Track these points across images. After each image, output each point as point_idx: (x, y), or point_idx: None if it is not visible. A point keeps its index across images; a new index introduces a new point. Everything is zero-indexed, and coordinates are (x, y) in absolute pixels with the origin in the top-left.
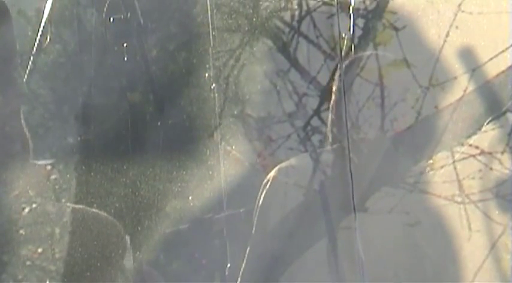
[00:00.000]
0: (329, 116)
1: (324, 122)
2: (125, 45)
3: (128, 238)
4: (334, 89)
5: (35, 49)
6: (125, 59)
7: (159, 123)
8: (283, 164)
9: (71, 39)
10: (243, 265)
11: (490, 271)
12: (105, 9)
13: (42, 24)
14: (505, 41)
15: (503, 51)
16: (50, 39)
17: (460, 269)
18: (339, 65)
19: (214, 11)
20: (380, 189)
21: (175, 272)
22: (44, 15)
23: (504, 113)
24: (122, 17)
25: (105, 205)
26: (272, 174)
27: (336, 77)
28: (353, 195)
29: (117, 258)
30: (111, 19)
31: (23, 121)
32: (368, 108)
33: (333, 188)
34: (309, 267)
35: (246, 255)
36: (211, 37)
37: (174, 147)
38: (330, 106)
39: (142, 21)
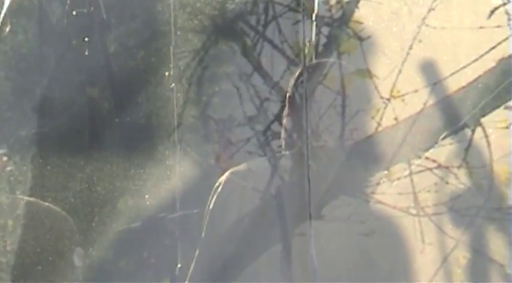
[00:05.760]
0: (287, 122)
1: (284, 128)
2: (86, 39)
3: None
4: (296, 95)
5: None
6: (86, 53)
7: (116, 120)
8: (236, 168)
9: (34, 30)
10: (192, 267)
11: None
12: (68, 2)
13: (3, 13)
14: (466, 57)
15: (464, 66)
16: (10, 29)
17: (411, 281)
18: (302, 72)
19: (181, 10)
20: (337, 197)
21: (123, 270)
22: (5, 4)
23: (462, 128)
24: (85, 11)
25: (60, 200)
26: (224, 177)
27: (299, 83)
28: (309, 202)
29: (69, 253)
30: (74, 13)
31: None
32: (329, 116)
33: (290, 194)
34: (262, 272)
35: (195, 258)
36: (173, 36)
37: (132, 145)
38: (289, 112)
39: (105, 16)
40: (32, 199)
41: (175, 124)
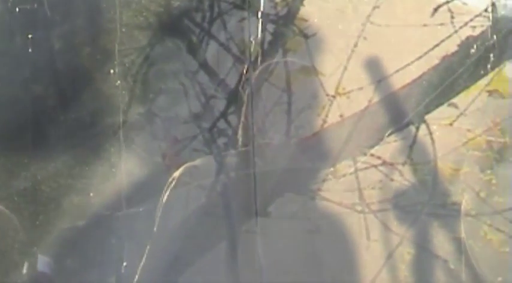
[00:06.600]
0: (240, 119)
1: (230, 125)
2: (30, 36)
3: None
4: (242, 92)
5: None
6: (30, 50)
7: (61, 118)
8: (189, 164)
9: None
10: (142, 263)
11: (385, 281)
12: None
13: None
14: (411, 54)
15: (408, 64)
16: None
17: (357, 277)
18: (247, 69)
19: (126, 7)
20: (283, 194)
21: (69, 268)
22: None
23: (407, 125)
24: (29, 7)
25: (4, 198)
26: (178, 173)
27: (244, 80)
28: (256, 199)
29: (13, 252)
30: (17, 9)
31: None
32: (274, 114)
33: (236, 191)
34: (208, 269)
35: (146, 253)
36: (118, 33)
37: (77, 143)
38: (242, 109)
39: (49, 13)
40: None
41: (120, 121)
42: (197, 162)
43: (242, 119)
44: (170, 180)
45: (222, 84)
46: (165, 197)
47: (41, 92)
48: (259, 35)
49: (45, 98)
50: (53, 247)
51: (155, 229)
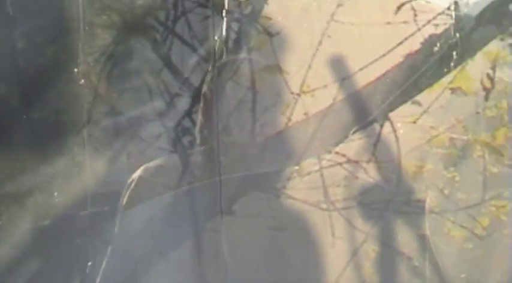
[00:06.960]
0: (199, 118)
1: (194, 123)
2: None
3: None
4: (206, 90)
5: None
6: None
7: (24, 117)
8: (150, 164)
9: None
10: (104, 263)
11: (350, 279)
12: None
13: None
14: (375, 52)
15: (372, 62)
16: None
17: (322, 275)
18: (212, 67)
19: (89, 6)
20: (248, 192)
21: (32, 270)
22: None
23: (371, 123)
24: None
25: None
26: (137, 173)
27: (209, 79)
28: (221, 198)
29: None
30: None
31: None
32: (239, 112)
33: (201, 190)
34: (172, 268)
35: (108, 254)
36: (82, 32)
37: (40, 142)
38: (200, 108)
39: (11, 12)
40: None
41: (84, 120)
42: (161, 160)
43: (200, 117)
44: (130, 180)
45: (187, 83)
46: (126, 198)
47: (4, 91)
48: (223, 34)
49: (8, 97)
50: (16, 248)
51: (116, 229)
